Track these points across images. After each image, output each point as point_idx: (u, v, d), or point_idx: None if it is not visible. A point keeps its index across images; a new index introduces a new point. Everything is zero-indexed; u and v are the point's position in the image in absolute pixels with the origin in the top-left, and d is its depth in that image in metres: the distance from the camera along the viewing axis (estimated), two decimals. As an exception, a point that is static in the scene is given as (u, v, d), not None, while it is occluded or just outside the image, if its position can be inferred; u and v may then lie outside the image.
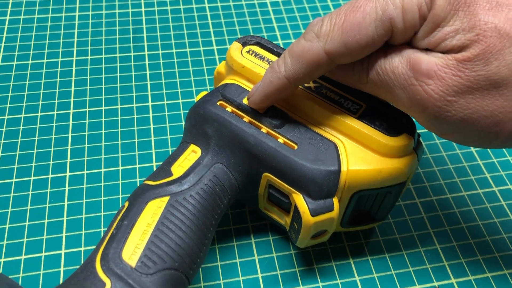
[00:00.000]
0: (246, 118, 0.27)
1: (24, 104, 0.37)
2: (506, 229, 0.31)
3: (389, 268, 0.29)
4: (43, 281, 0.28)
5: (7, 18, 0.43)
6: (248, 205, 0.32)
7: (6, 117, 0.36)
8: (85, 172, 0.33)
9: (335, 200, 0.25)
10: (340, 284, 0.29)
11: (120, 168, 0.34)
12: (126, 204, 0.25)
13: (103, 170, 0.33)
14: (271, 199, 0.28)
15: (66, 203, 0.32)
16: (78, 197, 0.32)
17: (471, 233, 0.31)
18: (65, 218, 0.31)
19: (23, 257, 0.29)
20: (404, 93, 0.22)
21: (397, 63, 0.22)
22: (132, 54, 0.41)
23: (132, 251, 0.23)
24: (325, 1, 0.46)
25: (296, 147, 0.26)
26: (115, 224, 0.25)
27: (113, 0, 0.45)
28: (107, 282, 0.22)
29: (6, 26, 0.43)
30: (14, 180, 0.33)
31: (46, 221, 0.31)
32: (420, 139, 0.27)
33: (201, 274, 0.29)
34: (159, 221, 0.24)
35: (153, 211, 0.25)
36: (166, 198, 0.25)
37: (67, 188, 0.32)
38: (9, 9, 0.44)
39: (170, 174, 0.26)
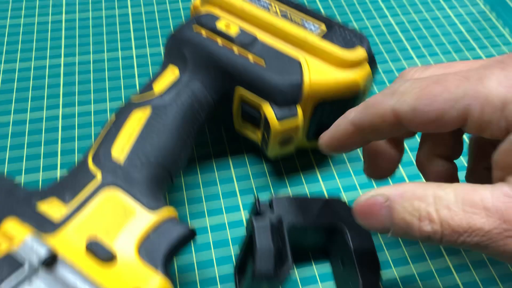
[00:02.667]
0: (219, 41, 0.30)
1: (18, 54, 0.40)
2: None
3: (351, 175, 0.33)
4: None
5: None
6: (225, 129, 0.36)
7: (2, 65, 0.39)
8: (76, 97, 0.37)
9: (299, 108, 0.29)
10: (307, 191, 0.32)
11: (107, 94, 0.37)
12: (113, 116, 0.29)
13: (92, 95, 0.37)
14: (244, 117, 0.32)
15: (60, 121, 0.35)
16: (71, 116, 0.36)
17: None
18: (59, 134, 0.34)
19: (24, 162, 0.33)
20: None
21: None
22: (116, 12, 0.44)
23: (120, 150, 0.27)
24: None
25: (263, 62, 0.29)
26: (104, 132, 0.28)
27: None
28: (98, 173, 0.26)
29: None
30: (12, 117, 0.36)
31: (43, 135, 0.34)
32: (373, 55, 0.31)
33: (184, 186, 0.32)
34: (144, 127, 0.28)
35: (137, 119, 0.28)
36: (149, 109, 0.28)
37: (60, 110, 0.36)
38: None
39: (152, 90, 0.30)
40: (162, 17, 0.44)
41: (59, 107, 0.37)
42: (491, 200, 0.18)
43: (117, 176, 0.26)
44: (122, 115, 0.28)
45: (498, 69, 0.19)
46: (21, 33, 0.42)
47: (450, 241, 0.19)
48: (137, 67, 0.40)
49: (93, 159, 0.26)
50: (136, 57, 0.40)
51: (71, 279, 0.22)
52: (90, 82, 0.38)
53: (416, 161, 0.26)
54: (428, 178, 0.25)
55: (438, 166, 0.25)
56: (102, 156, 0.26)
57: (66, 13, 0.44)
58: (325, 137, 0.25)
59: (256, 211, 0.27)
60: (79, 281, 0.22)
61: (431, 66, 0.23)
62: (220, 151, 0.35)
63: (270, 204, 0.27)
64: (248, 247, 0.27)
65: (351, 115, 0.23)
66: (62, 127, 0.35)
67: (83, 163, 0.26)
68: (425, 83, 0.20)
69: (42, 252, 0.21)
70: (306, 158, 0.34)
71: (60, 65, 0.40)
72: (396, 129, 0.21)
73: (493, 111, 0.19)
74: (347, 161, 0.34)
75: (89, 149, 0.27)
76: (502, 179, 0.19)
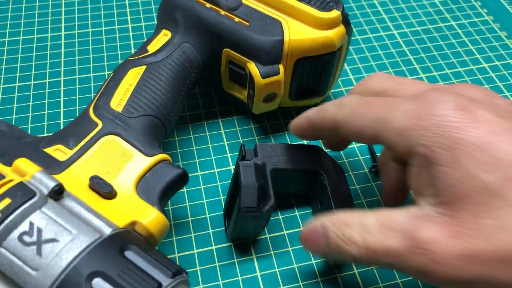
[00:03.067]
0: (208, 4, 0.33)
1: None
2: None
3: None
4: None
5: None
6: (214, 91, 0.38)
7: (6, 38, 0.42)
8: (76, 58, 0.39)
9: (281, 66, 0.32)
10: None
11: (105, 54, 0.40)
12: (112, 73, 0.31)
13: (91, 56, 0.40)
14: (231, 77, 0.34)
15: (62, 78, 0.38)
16: (71, 73, 0.38)
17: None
18: (62, 88, 0.37)
19: (30, 114, 0.35)
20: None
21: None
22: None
23: (118, 101, 0.29)
24: None
25: (248, 23, 0.32)
26: (103, 87, 0.31)
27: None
28: (99, 122, 0.28)
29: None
30: (17, 84, 0.39)
31: (47, 90, 0.37)
32: (348, 18, 0.34)
33: (177, 144, 0.35)
34: (139, 82, 0.31)
35: (133, 75, 0.31)
36: (144, 67, 0.31)
37: (62, 68, 0.38)
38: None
39: (146, 51, 0.32)
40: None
41: (60, 57, 0.39)
42: (402, 222, 0.22)
43: (117, 125, 0.28)
44: (119, 72, 0.31)
45: (411, 101, 0.23)
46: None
47: (373, 262, 0.23)
48: (133, 39, 0.42)
49: (94, 110, 0.29)
50: (132, 30, 0.43)
51: (76, 208, 0.24)
52: (89, 44, 0.41)
53: (379, 162, 0.30)
54: (383, 178, 0.29)
55: (391, 167, 0.28)
56: (102, 107, 0.29)
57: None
58: (292, 124, 0.29)
59: (242, 156, 0.29)
60: (83, 211, 0.24)
61: (390, 78, 0.27)
62: (211, 113, 0.37)
63: (255, 150, 0.30)
64: (234, 191, 0.30)
65: (310, 113, 0.28)
66: (64, 72, 0.38)
67: (85, 113, 0.29)
68: (360, 102, 0.25)
69: (51, 184, 0.24)
70: (289, 117, 0.37)
71: (61, 37, 0.42)
72: (335, 133, 0.26)
73: (394, 135, 0.23)
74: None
75: (90, 101, 0.30)
76: (415, 202, 0.23)
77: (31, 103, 0.37)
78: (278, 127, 0.36)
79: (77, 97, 0.37)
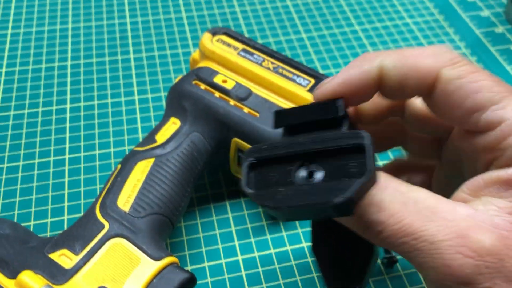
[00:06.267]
0: (217, 94, 0.32)
1: (27, 101, 0.43)
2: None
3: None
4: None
5: (9, 31, 0.49)
6: (222, 172, 0.38)
7: (11, 112, 0.42)
8: (82, 143, 0.39)
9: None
10: (300, 233, 0.34)
11: (111, 139, 0.39)
12: (119, 166, 0.31)
13: (96, 141, 0.39)
14: (240, 162, 0.34)
15: (67, 167, 0.37)
16: (76, 162, 0.38)
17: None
18: (66, 179, 0.36)
19: (33, 209, 0.34)
20: None
21: None
22: (119, 57, 0.47)
23: (125, 200, 0.29)
24: (287, 8, 0.53)
25: (258, 115, 0.32)
26: (110, 181, 0.30)
27: (101, 13, 0.51)
28: (106, 224, 0.28)
29: (7, 39, 0.48)
30: (21, 163, 0.38)
31: (50, 182, 0.36)
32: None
33: (183, 230, 0.34)
34: (147, 177, 0.30)
35: (141, 170, 0.30)
36: (152, 159, 0.31)
37: (67, 156, 0.38)
38: (10, 24, 0.50)
39: (155, 141, 0.32)
40: (163, 63, 0.46)
41: (65, 153, 0.39)
42: (453, 214, 0.18)
43: (123, 226, 0.28)
44: (127, 165, 0.30)
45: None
46: (29, 79, 0.44)
47: (391, 237, 0.19)
48: (140, 112, 0.42)
49: (101, 209, 0.28)
50: (139, 102, 0.43)
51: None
52: (95, 128, 0.41)
53: None
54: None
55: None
56: (109, 206, 0.28)
57: (71, 59, 0.46)
58: (317, 92, 0.22)
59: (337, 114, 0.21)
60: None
61: None
62: (218, 194, 0.37)
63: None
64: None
65: (341, 74, 0.22)
66: (68, 171, 0.37)
67: (91, 213, 0.28)
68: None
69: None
70: (299, 200, 0.36)
71: (66, 110, 0.42)
72: (374, 90, 0.21)
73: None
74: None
75: (96, 198, 0.29)
76: (464, 200, 0.20)
77: (34, 196, 0.36)
78: (287, 210, 0.36)
79: (82, 189, 0.36)
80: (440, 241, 0.18)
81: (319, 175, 0.19)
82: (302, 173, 0.20)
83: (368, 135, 0.18)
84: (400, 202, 0.19)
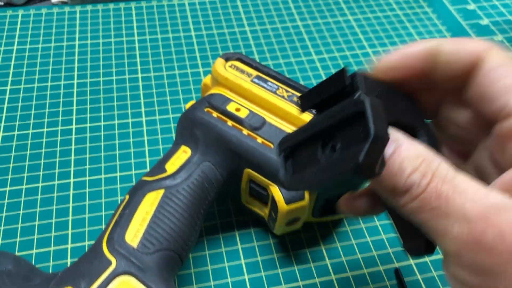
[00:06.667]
0: (230, 122, 0.31)
1: (32, 121, 0.41)
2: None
3: (355, 253, 0.34)
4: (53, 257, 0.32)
5: (15, 47, 0.48)
6: (232, 202, 0.36)
7: (16, 132, 0.40)
8: (87, 178, 0.38)
9: (306, 191, 0.30)
10: (313, 268, 0.33)
11: (118, 174, 0.38)
12: (127, 197, 0.30)
13: (103, 176, 0.38)
14: (251, 193, 0.33)
15: (71, 204, 0.36)
16: (81, 199, 0.36)
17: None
18: (70, 218, 0.35)
19: (34, 251, 0.33)
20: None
21: None
22: (127, 76, 0.46)
23: (134, 234, 0.28)
24: (295, 22, 0.52)
25: (272, 145, 0.30)
26: (118, 213, 0.29)
27: (109, 30, 0.50)
28: (113, 260, 0.26)
29: (14, 55, 0.47)
30: (24, 186, 0.37)
31: (53, 220, 0.35)
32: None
33: (191, 262, 0.33)
34: (156, 210, 0.29)
35: (150, 202, 0.29)
36: (162, 191, 0.29)
37: (71, 192, 0.37)
38: (16, 39, 0.49)
39: (164, 171, 0.31)
40: (171, 83, 0.45)
41: (70, 177, 0.38)
42: (486, 193, 0.18)
43: (131, 263, 0.26)
44: (135, 197, 0.29)
45: None
46: (34, 97, 0.43)
47: (421, 206, 0.19)
48: (147, 134, 0.41)
49: (108, 244, 0.27)
50: (146, 123, 0.42)
51: None
52: (101, 150, 0.39)
53: None
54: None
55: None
56: (117, 241, 0.27)
57: (78, 78, 0.45)
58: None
59: (347, 83, 0.21)
60: None
61: None
62: (227, 223, 0.35)
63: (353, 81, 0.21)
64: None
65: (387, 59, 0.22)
66: (73, 196, 0.36)
67: (98, 248, 0.27)
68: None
69: None
70: (311, 232, 0.35)
71: (72, 130, 0.41)
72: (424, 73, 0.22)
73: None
74: (351, 236, 0.35)
75: (103, 231, 0.28)
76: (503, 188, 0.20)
77: (35, 236, 0.34)
78: (299, 243, 0.34)
79: (87, 229, 0.35)
80: (468, 211, 0.18)
81: (337, 148, 0.20)
82: (325, 150, 0.20)
83: (368, 99, 0.18)
84: (431, 175, 0.19)
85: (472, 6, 0.55)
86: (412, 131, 0.22)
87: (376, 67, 0.23)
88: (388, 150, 0.19)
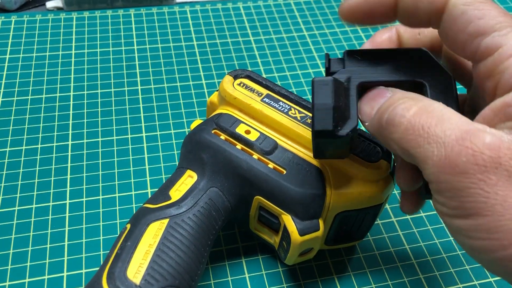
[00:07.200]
0: (239, 146, 0.29)
1: (25, 136, 0.39)
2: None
3: (369, 283, 0.32)
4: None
5: (7, 56, 0.46)
6: (238, 226, 0.34)
7: (8, 149, 0.38)
8: (84, 199, 0.35)
9: (321, 221, 0.28)
10: (325, 298, 0.31)
11: (117, 195, 0.36)
12: (128, 226, 0.28)
13: (100, 197, 0.36)
14: (261, 220, 0.31)
15: (67, 228, 0.34)
16: (78, 223, 0.34)
17: (443, 247, 0.34)
18: (66, 243, 0.33)
19: (27, 280, 0.31)
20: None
21: None
22: (126, 88, 0.44)
23: (136, 269, 0.25)
24: (304, 38, 0.50)
25: (284, 172, 0.28)
26: (118, 244, 0.27)
27: (107, 38, 0.48)
28: (113, 300, 0.24)
29: (6, 64, 0.45)
30: (16, 208, 0.35)
31: (48, 246, 0.33)
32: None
33: (197, 293, 0.31)
34: (160, 242, 0.27)
35: (154, 233, 0.27)
36: (166, 220, 0.27)
37: (67, 214, 0.34)
38: (9, 48, 0.47)
39: (169, 198, 0.28)
40: (172, 96, 0.43)
41: (66, 198, 0.35)
42: (466, 122, 0.19)
43: (133, 302, 0.24)
44: (137, 226, 0.27)
45: None
46: (28, 110, 0.41)
47: (405, 132, 0.20)
48: (147, 151, 0.39)
49: (108, 281, 0.25)
50: (146, 140, 0.40)
51: None
52: (99, 169, 0.37)
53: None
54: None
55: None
56: (118, 277, 0.25)
57: (74, 90, 0.43)
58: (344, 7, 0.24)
59: (326, 69, 0.25)
60: None
61: None
62: (233, 249, 0.33)
63: (343, 60, 0.25)
64: None
65: None
66: (69, 218, 0.34)
67: (98, 285, 0.25)
68: None
69: None
70: (323, 260, 0.33)
71: (68, 146, 0.38)
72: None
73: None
74: (365, 265, 0.33)
75: (102, 265, 0.26)
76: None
77: (28, 264, 0.32)
78: (310, 271, 0.32)
79: (84, 255, 0.33)
80: (447, 136, 0.19)
81: None
82: None
83: (317, 81, 0.23)
84: (417, 108, 0.21)
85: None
86: (419, 89, 0.24)
87: (339, 11, 0.24)
88: (381, 100, 0.23)
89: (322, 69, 0.46)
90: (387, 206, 0.36)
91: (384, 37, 0.26)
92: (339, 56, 0.28)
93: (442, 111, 0.20)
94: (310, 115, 0.31)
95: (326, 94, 0.23)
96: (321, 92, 0.23)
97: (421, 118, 0.20)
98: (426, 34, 0.26)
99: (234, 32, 0.50)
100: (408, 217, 0.36)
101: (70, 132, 0.40)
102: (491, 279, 0.32)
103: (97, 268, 0.31)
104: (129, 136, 0.40)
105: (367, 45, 0.27)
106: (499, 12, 0.21)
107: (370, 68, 0.25)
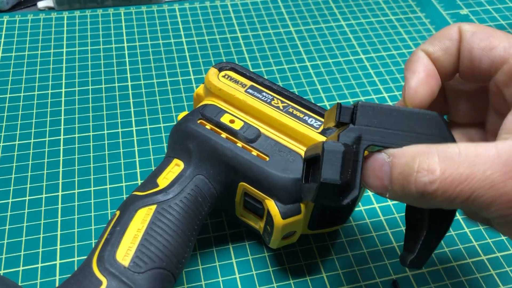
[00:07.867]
0: (224, 135, 0.31)
1: (18, 132, 0.40)
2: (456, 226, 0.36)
3: (352, 265, 0.33)
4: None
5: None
6: (225, 214, 0.36)
7: (1, 144, 0.39)
8: (76, 191, 0.36)
9: (302, 205, 0.29)
10: (309, 281, 0.32)
11: (108, 186, 0.37)
12: (118, 212, 0.29)
13: (92, 188, 0.37)
14: (246, 206, 0.32)
15: (59, 218, 0.35)
16: (70, 213, 0.35)
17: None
18: (59, 232, 0.34)
19: (21, 268, 0.32)
20: None
21: None
22: (116, 84, 0.45)
23: (125, 253, 0.27)
24: (291, 34, 0.51)
25: (268, 158, 0.30)
26: (108, 230, 0.28)
27: (98, 37, 0.49)
28: (104, 280, 0.25)
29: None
30: (10, 200, 0.36)
31: (41, 235, 0.34)
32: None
33: (184, 277, 0.32)
34: (148, 226, 0.28)
35: (142, 218, 0.28)
36: (154, 206, 0.29)
37: (60, 206, 0.35)
38: (1, 47, 0.48)
39: (156, 185, 0.30)
40: (162, 91, 0.44)
41: (58, 190, 0.36)
42: (495, 150, 0.20)
43: (123, 283, 0.25)
44: (126, 212, 0.28)
45: None
46: (20, 107, 0.42)
47: (447, 191, 0.20)
48: (137, 144, 0.40)
49: (98, 263, 0.26)
50: (136, 133, 0.41)
51: None
52: (90, 162, 0.38)
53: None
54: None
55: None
56: (107, 260, 0.26)
57: (65, 86, 0.44)
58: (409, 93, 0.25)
59: (337, 119, 0.23)
60: None
61: None
62: (221, 236, 0.34)
63: (353, 113, 0.23)
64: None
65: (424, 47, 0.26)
66: (61, 209, 0.35)
67: (88, 267, 0.26)
68: None
69: None
70: (307, 244, 0.34)
71: (60, 140, 0.40)
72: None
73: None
74: (348, 248, 0.34)
75: (93, 250, 0.27)
76: (506, 139, 0.21)
77: (22, 253, 0.33)
78: (295, 255, 0.34)
79: (76, 244, 0.34)
80: (491, 175, 0.19)
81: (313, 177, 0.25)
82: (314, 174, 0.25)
83: (328, 145, 0.22)
84: (445, 159, 0.20)
85: (465, 11, 0.54)
86: None
87: (404, 98, 0.25)
88: (385, 168, 0.22)
89: (308, 63, 0.48)
90: (368, 192, 0.38)
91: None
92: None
93: (460, 148, 0.20)
94: (292, 104, 0.32)
95: (334, 168, 0.22)
96: (330, 163, 0.22)
97: (448, 172, 0.20)
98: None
99: (222, 29, 0.51)
100: (390, 203, 0.37)
101: (62, 127, 0.41)
102: (468, 261, 0.34)
103: (89, 256, 0.32)
104: (120, 130, 0.41)
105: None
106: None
107: (382, 129, 0.23)
